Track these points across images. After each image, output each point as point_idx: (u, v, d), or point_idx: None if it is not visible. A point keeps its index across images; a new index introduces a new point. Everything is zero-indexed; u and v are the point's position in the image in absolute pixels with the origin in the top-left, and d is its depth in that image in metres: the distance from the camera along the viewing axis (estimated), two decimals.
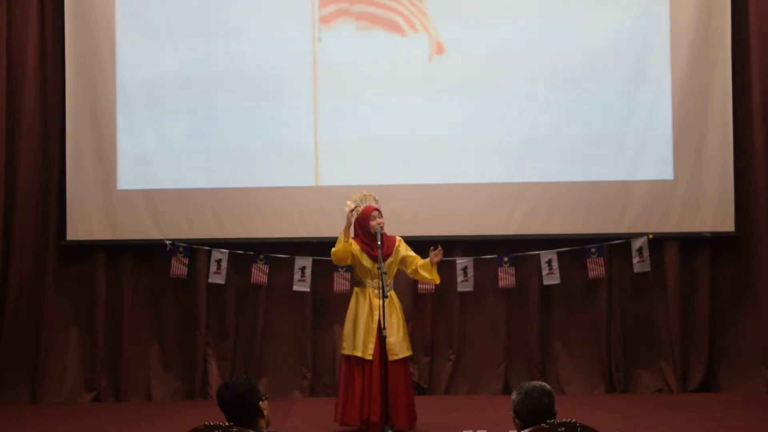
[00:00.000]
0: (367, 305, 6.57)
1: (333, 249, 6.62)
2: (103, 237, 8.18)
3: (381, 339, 6.42)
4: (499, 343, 8.24)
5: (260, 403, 3.64)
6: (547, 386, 3.63)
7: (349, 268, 7.29)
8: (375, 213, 6.58)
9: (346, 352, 6.59)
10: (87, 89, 8.18)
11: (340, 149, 8.14)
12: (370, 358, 6.47)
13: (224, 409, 3.64)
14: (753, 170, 8.13)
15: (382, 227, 6.54)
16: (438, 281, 6.84)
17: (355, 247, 6.61)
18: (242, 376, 3.75)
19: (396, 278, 6.90)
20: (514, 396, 3.63)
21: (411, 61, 8.13)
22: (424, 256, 6.66)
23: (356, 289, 6.70)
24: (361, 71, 8.13)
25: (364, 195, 6.68)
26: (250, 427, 3.56)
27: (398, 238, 6.71)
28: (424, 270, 6.63)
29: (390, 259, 6.60)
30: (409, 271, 6.72)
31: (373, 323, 6.51)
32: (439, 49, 8.13)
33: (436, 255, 6.60)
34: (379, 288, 6.50)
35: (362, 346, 6.50)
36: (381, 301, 6.38)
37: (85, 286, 8.26)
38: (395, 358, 6.43)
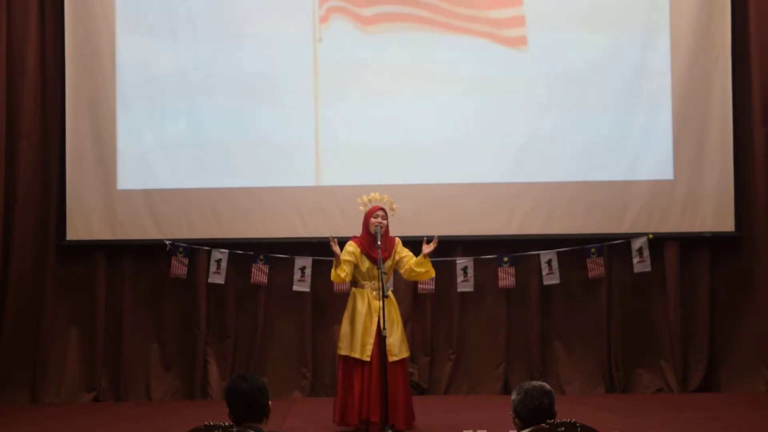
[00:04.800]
0: (365, 306, 6.57)
1: (332, 277, 6.66)
2: (103, 237, 8.18)
3: (380, 340, 6.43)
4: (499, 343, 8.24)
5: (270, 402, 3.65)
6: (547, 386, 3.63)
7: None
8: (378, 212, 6.59)
9: (343, 352, 6.60)
10: (87, 89, 8.18)
11: (341, 149, 8.14)
12: (368, 359, 6.47)
13: (236, 399, 3.61)
14: (753, 170, 8.13)
15: (382, 228, 6.53)
16: (433, 273, 6.79)
17: (355, 249, 6.63)
18: (255, 374, 3.76)
19: (397, 279, 6.90)
20: (514, 396, 3.63)
21: (411, 61, 8.13)
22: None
23: (354, 289, 6.71)
24: (361, 71, 8.13)
25: (381, 198, 6.67)
26: (257, 422, 3.56)
27: (397, 239, 6.71)
28: (418, 265, 6.61)
29: (388, 262, 6.60)
30: (403, 271, 6.71)
31: (372, 324, 6.51)
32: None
33: (428, 246, 6.58)
34: (377, 289, 6.51)
35: (360, 348, 6.50)
36: (381, 302, 6.38)
37: (85, 286, 8.26)
38: (394, 359, 6.43)
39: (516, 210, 8.12)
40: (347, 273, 6.59)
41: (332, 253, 6.62)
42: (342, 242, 6.82)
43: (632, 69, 8.09)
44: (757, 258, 8.16)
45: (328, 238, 6.62)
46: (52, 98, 8.24)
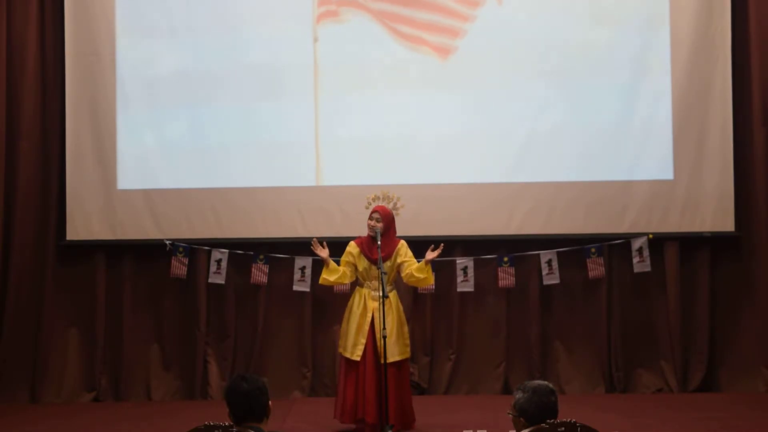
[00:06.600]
0: (360, 306, 6.60)
1: (319, 280, 6.78)
2: (103, 237, 8.18)
3: (374, 340, 6.46)
4: (499, 343, 8.24)
5: (270, 402, 3.66)
6: (551, 384, 3.64)
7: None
8: (374, 215, 6.59)
9: (340, 350, 6.69)
10: (87, 89, 8.18)
11: (341, 149, 8.14)
12: (358, 359, 6.49)
13: (236, 399, 3.61)
14: (753, 170, 8.13)
15: (379, 230, 6.53)
16: (431, 282, 6.81)
17: (353, 249, 6.65)
18: (255, 374, 3.76)
19: (398, 279, 6.89)
20: (519, 395, 3.62)
21: (412, 60, 8.13)
22: (423, 255, 6.65)
23: (356, 288, 6.73)
24: (361, 70, 8.13)
25: (381, 195, 6.69)
26: (257, 422, 3.57)
27: (402, 242, 6.70)
28: (418, 271, 6.59)
29: (389, 263, 6.59)
30: (403, 275, 6.69)
31: (365, 324, 6.53)
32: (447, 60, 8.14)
33: (431, 253, 6.59)
34: (375, 289, 6.52)
35: (351, 347, 6.54)
36: (381, 302, 6.38)
37: (85, 286, 8.26)
38: (387, 360, 6.41)
39: (516, 210, 8.12)
40: (343, 275, 6.64)
41: (332, 254, 6.64)
42: (339, 242, 6.85)
43: (632, 68, 8.09)
44: (757, 258, 8.16)
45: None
46: (52, 98, 8.24)
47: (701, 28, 8.04)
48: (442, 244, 6.65)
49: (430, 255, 6.59)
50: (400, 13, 8.15)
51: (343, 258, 6.69)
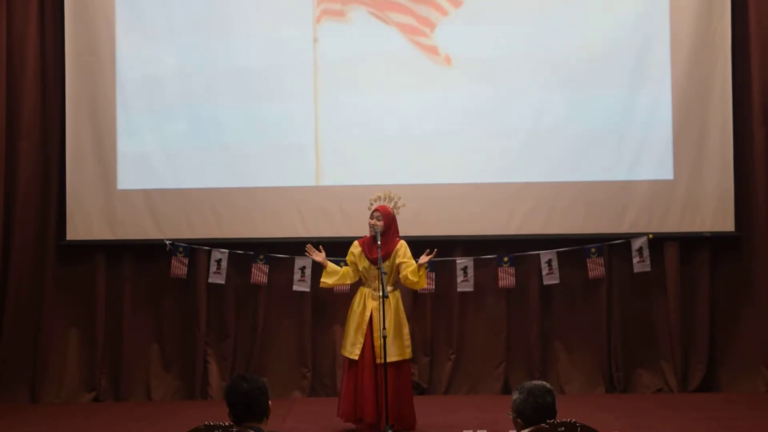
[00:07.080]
0: (360, 305, 6.62)
1: (320, 285, 6.85)
2: (103, 237, 8.18)
3: (372, 340, 6.47)
4: (499, 343, 8.24)
5: (270, 402, 3.66)
6: (548, 384, 3.63)
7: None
8: (374, 213, 6.62)
9: (341, 349, 6.69)
10: (87, 89, 8.18)
11: (341, 149, 8.15)
12: (356, 358, 6.51)
13: (236, 399, 3.61)
14: (753, 170, 8.13)
15: (379, 228, 6.54)
16: (423, 285, 6.77)
17: (355, 249, 6.70)
18: (255, 374, 3.76)
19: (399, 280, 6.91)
20: (516, 396, 3.62)
21: (412, 60, 8.13)
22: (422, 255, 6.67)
23: (359, 288, 6.76)
24: (361, 70, 8.14)
25: (383, 195, 6.71)
26: (257, 422, 3.57)
27: (401, 242, 6.71)
28: (413, 274, 6.58)
29: (388, 263, 6.60)
30: (401, 276, 6.70)
31: (364, 323, 6.54)
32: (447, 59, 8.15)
33: (423, 257, 6.59)
34: (376, 289, 6.53)
35: (350, 346, 6.57)
36: (381, 302, 6.39)
37: (85, 286, 8.26)
38: (381, 361, 6.40)
39: (516, 210, 8.12)
40: (344, 275, 6.71)
41: (332, 254, 6.66)
42: (339, 242, 6.85)
43: (632, 69, 8.08)
44: (757, 258, 8.16)
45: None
46: (52, 98, 8.24)
47: (701, 28, 8.05)
48: (435, 250, 6.66)
49: (423, 259, 6.60)
50: (401, 14, 8.15)
51: (347, 257, 6.74)
